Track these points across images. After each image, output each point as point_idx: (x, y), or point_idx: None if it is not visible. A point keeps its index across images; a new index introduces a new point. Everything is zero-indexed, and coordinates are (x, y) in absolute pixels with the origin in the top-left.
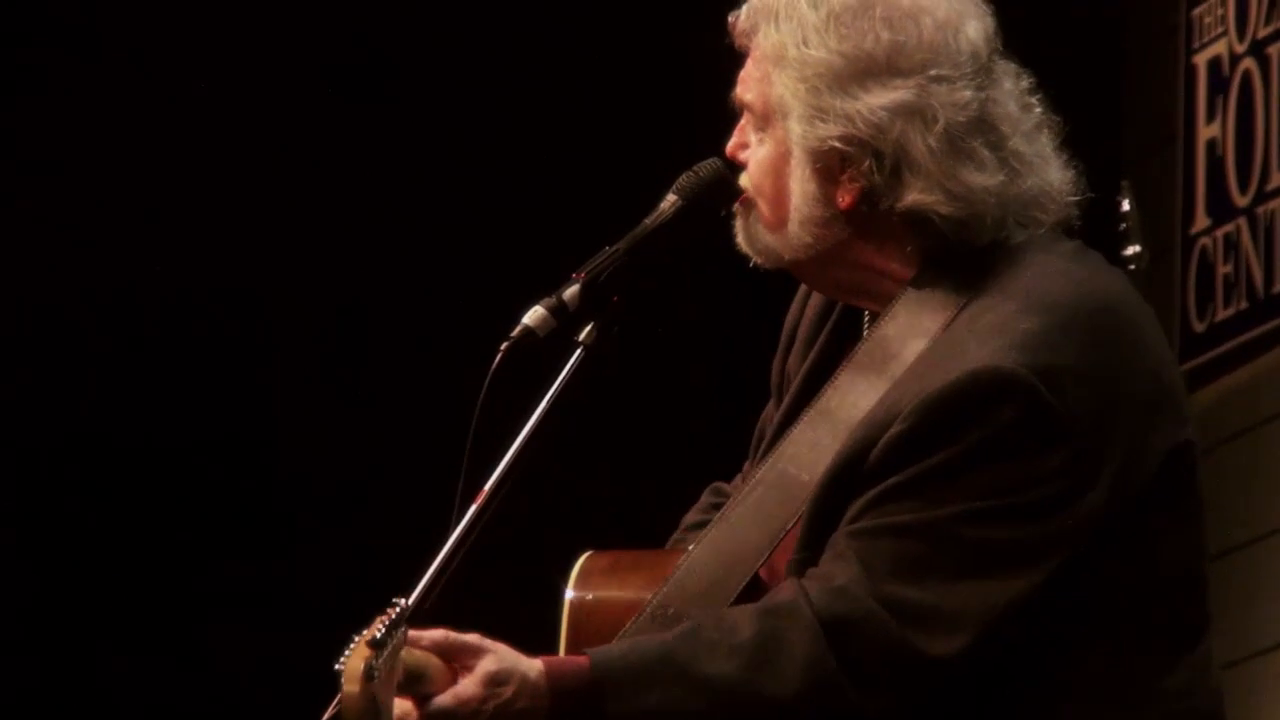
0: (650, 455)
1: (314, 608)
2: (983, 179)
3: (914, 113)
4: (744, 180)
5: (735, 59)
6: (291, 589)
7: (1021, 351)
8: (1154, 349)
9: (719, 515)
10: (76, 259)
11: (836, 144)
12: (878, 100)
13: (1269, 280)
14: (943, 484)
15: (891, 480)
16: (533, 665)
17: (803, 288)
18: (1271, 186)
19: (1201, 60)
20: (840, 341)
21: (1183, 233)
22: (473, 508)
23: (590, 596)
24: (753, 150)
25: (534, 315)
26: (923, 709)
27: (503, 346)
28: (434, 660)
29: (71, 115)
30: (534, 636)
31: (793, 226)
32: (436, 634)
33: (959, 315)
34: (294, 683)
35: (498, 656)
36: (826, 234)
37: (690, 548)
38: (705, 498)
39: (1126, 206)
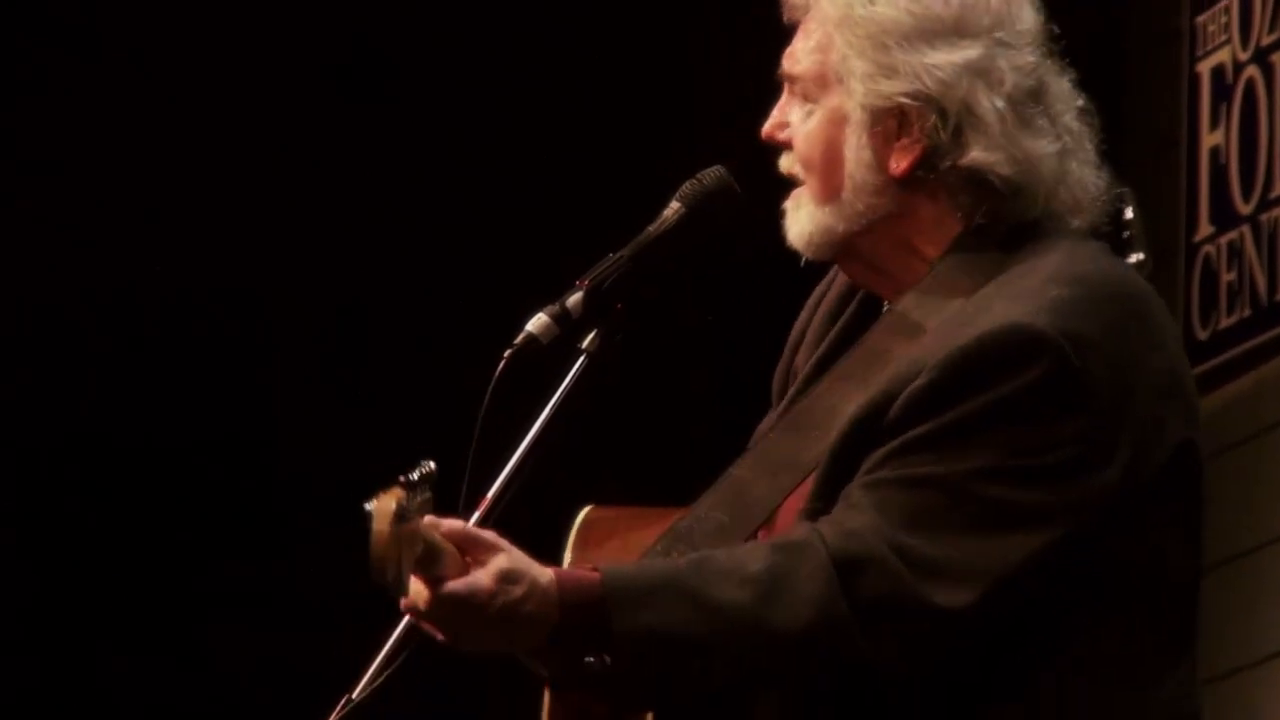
0: (653, 462)
1: (314, 608)
2: (1041, 146)
3: (981, 72)
4: (785, 162)
5: (739, 65)
6: (291, 589)
7: (1052, 314)
8: (1173, 346)
9: (725, 473)
10: (76, 259)
11: (904, 99)
12: (947, 57)
13: (1272, 288)
14: (962, 440)
15: (912, 433)
16: (545, 572)
17: (811, 298)
18: (1275, 194)
19: (1205, 68)
20: (858, 330)
21: (1186, 240)
22: (475, 515)
23: (590, 551)
24: (798, 126)
25: (537, 323)
26: (928, 667)
27: (506, 354)
28: (450, 546)
29: (71, 115)
30: None
31: (846, 195)
32: (455, 523)
33: (986, 285)
34: (294, 683)
35: (512, 556)
36: (878, 203)
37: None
38: None
39: (1129, 214)
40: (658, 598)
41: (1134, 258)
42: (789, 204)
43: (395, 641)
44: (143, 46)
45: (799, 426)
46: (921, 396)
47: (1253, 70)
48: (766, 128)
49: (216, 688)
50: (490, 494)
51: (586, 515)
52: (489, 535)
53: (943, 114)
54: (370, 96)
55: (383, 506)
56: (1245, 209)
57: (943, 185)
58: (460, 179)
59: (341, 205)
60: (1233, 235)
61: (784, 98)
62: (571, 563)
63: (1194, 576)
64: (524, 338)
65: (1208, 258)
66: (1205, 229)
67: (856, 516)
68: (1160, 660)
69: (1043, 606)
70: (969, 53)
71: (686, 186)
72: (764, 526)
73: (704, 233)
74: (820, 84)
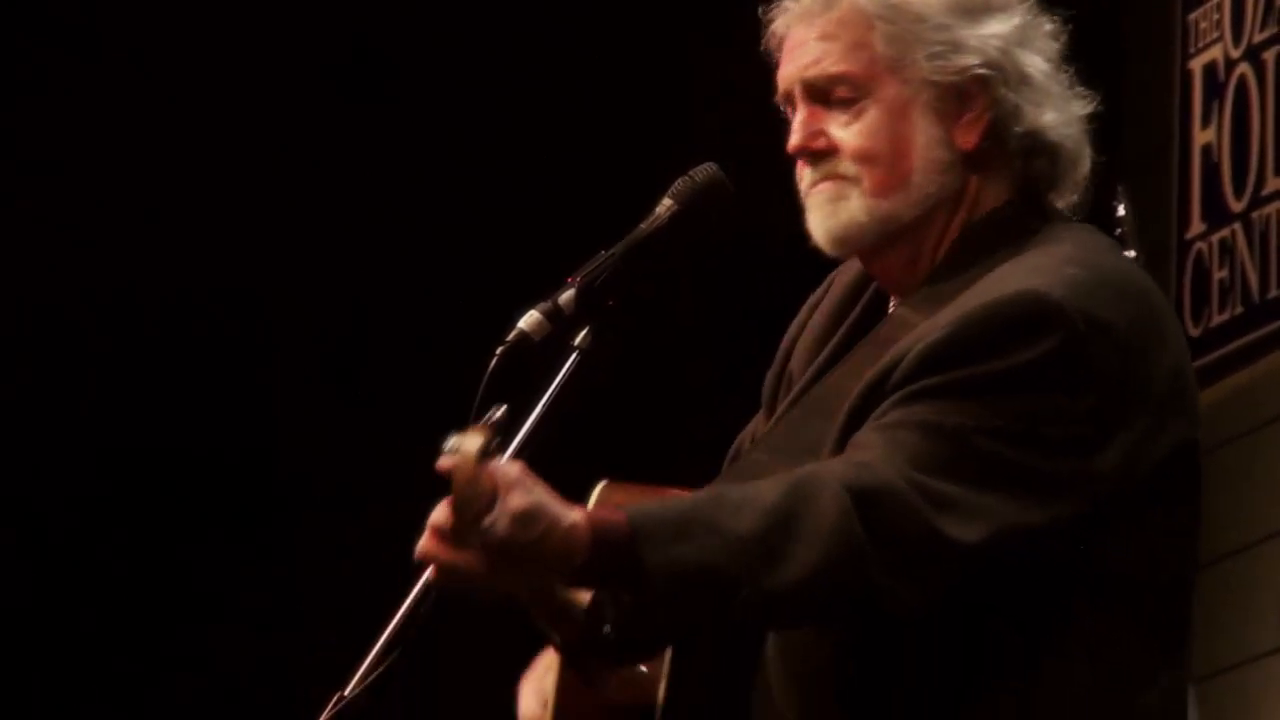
0: (647, 459)
1: (314, 610)
2: (1079, 107)
3: (1026, 39)
4: (822, 169)
5: (733, 63)
6: (292, 590)
7: (1068, 290)
8: (1179, 347)
9: (742, 457)
10: (76, 259)
11: (977, 70)
12: (999, 27)
13: (1264, 285)
14: (972, 397)
15: (922, 383)
16: (568, 514)
17: (805, 307)
18: (1267, 191)
19: (1197, 65)
20: (866, 328)
21: (1178, 237)
22: None
23: None
24: (845, 128)
25: (529, 320)
26: (934, 600)
27: (497, 351)
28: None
29: (71, 115)
30: (532, 643)
31: (916, 178)
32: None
33: (1003, 264)
34: (293, 684)
35: (530, 496)
36: (946, 181)
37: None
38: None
39: (1122, 211)
40: (683, 531)
41: (1126, 254)
42: (824, 196)
43: (387, 639)
44: (143, 46)
45: (814, 411)
46: (933, 352)
47: (1244, 68)
48: (800, 140)
49: (216, 689)
50: None
51: (601, 491)
52: (512, 473)
53: (1007, 82)
54: (370, 96)
55: (468, 444)
56: (1237, 206)
57: (1004, 155)
58: (459, 179)
59: (341, 205)
60: (1225, 233)
61: (804, 110)
62: None
63: (1188, 579)
64: (516, 334)
65: (1200, 255)
66: (1197, 226)
67: (867, 452)
68: (1151, 661)
69: (1038, 598)
70: (1014, 21)
71: (679, 183)
72: None
73: (696, 229)
74: (870, 79)
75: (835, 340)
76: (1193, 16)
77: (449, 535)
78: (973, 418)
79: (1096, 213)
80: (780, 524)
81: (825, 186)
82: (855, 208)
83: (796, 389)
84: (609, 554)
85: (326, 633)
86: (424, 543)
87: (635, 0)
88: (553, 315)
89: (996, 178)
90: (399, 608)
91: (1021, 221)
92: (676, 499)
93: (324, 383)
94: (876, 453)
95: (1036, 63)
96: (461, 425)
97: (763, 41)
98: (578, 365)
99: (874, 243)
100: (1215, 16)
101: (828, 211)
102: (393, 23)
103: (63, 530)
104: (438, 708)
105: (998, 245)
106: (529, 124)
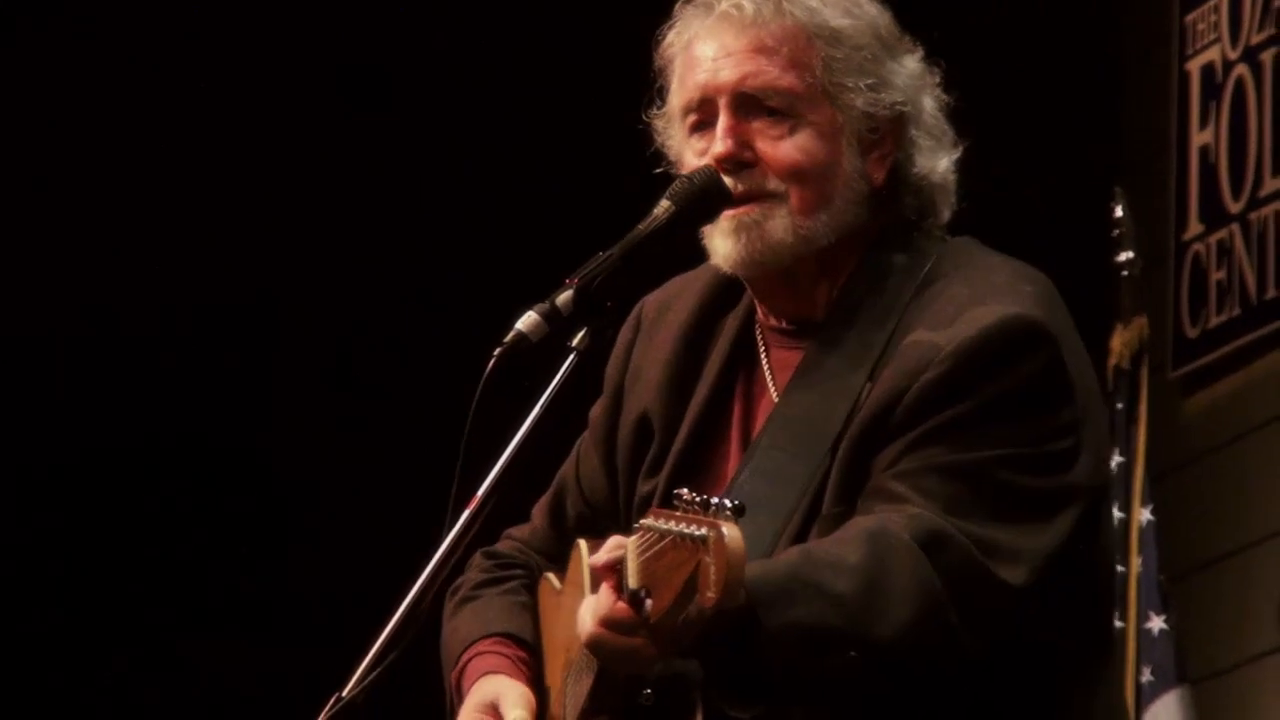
0: None
1: (313, 610)
2: (955, 150)
3: (926, 81)
4: (750, 181)
5: None
6: (290, 591)
7: (1037, 307)
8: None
9: (735, 480)
10: (76, 261)
11: (902, 109)
12: (914, 67)
13: (1262, 286)
14: (979, 428)
15: (930, 423)
16: None
17: (620, 344)
18: (1264, 193)
19: (1195, 66)
20: (746, 357)
21: (1176, 239)
22: (465, 514)
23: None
24: (776, 142)
25: (527, 320)
26: (991, 644)
27: (495, 352)
28: None
29: (71, 117)
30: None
31: (838, 202)
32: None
33: (942, 282)
34: (292, 685)
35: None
36: (860, 214)
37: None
38: (480, 560)
39: (1119, 213)
40: (793, 594)
41: (1124, 256)
42: (750, 219)
43: (385, 639)
44: (143, 47)
45: (791, 440)
46: (934, 389)
47: (1242, 69)
48: (728, 148)
49: (214, 688)
50: (481, 492)
51: (579, 551)
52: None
53: (916, 123)
54: (370, 103)
55: (735, 534)
56: (1235, 208)
57: (897, 193)
58: (457, 182)
59: (341, 209)
60: (1222, 234)
61: (728, 119)
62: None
63: (1112, 576)
64: (514, 336)
65: (1197, 256)
66: (1195, 227)
67: (907, 506)
68: (1101, 661)
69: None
70: (917, 63)
71: (676, 185)
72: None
73: (693, 231)
74: (806, 99)
75: (715, 374)
76: (1190, 18)
77: (623, 625)
78: (986, 449)
79: (1094, 216)
80: (871, 583)
81: (751, 210)
82: (781, 228)
83: (689, 428)
84: (729, 620)
85: (325, 633)
86: (594, 629)
87: (633, 4)
88: (550, 316)
89: (887, 212)
90: (396, 607)
91: (911, 245)
92: (776, 560)
93: (324, 383)
94: (915, 503)
95: (932, 106)
96: (459, 428)
97: (661, 45)
98: (576, 366)
99: (789, 265)
100: (1213, 18)
101: (755, 235)
102: (391, 29)
103: (60, 531)
104: (435, 709)
105: (895, 272)
106: (526, 126)
